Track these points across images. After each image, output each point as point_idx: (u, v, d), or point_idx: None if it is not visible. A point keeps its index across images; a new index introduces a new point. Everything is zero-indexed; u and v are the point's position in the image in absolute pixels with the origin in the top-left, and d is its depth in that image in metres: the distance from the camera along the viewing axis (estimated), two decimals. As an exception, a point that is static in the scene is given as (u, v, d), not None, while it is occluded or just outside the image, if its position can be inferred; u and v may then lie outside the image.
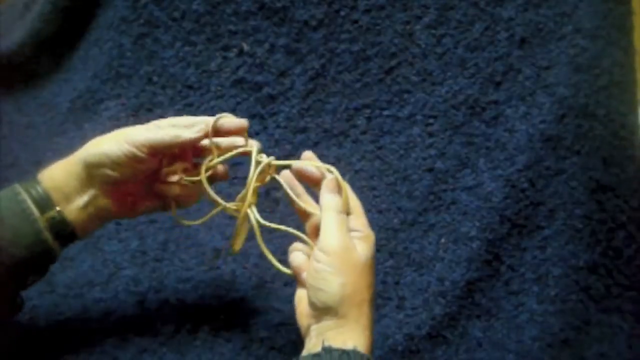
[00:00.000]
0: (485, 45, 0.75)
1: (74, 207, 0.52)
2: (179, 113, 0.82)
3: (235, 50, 0.81)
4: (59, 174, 0.52)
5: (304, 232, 0.55)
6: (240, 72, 0.81)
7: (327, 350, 0.44)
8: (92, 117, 0.85)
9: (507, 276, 0.68)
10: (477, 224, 0.69)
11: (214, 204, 0.55)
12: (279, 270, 0.53)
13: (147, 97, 0.84)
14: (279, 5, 0.79)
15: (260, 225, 0.54)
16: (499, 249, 0.68)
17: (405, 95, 0.77)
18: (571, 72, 0.71)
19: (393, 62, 0.77)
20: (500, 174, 0.71)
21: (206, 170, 0.55)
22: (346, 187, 0.52)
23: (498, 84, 0.74)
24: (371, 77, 0.78)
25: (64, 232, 0.52)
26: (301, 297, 0.51)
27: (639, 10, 0.78)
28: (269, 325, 0.62)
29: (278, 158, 0.75)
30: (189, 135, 0.53)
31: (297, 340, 0.61)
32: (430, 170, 0.74)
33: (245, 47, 0.81)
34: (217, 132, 0.55)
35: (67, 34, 0.92)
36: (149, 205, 0.56)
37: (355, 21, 0.78)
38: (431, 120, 0.75)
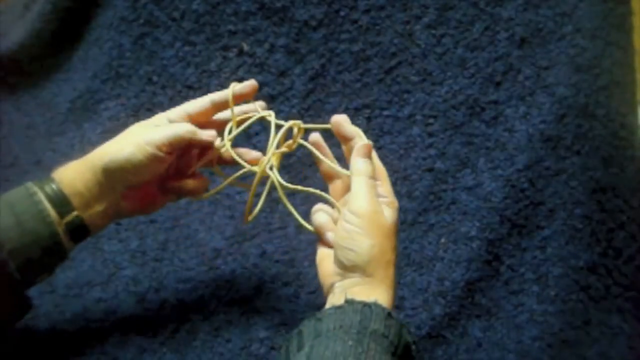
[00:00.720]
0: (485, 45, 0.75)
1: (93, 212, 0.52)
2: (178, 113, 0.82)
3: (235, 50, 0.81)
4: (79, 180, 0.52)
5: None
6: (240, 72, 0.81)
7: (350, 302, 0.45)
8: (91, 117, 0.85)
9: (507, 276, 0.68)
10: (477, 224, 0.69)
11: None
12: (303, 227, 0.54)
13: (146, 97, 0.84)
14: (278, 5, 0.79)
15: (283, 188, 0.55)
16: (498, 249, 0.68)
17: (405, 95, 0.77)
18: (571, 72, 0.71)
19: (393, 62, 0.77)
20: (500, 174, 0.71)
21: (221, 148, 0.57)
22: (374, 154, 0.54)
23: (498, 84, 0.74)
24: (371, 77, 0.78)
25: (80, 234, 0.52)
26: (323, 257, 0.52)
27: (638, 10, 0.78)
28: (268, 325, 0.62)
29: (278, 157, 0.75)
30: (206, 137, 0.54)
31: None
32: (430, 170, 0.74)
33: (245, 47, 0.81)
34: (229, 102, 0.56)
35: (66, 34, 0.92)
36: (164, 200, 0.57)
37: (355, 21, 0.78)
38: (431, 120, 0.75)
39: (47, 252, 0.50)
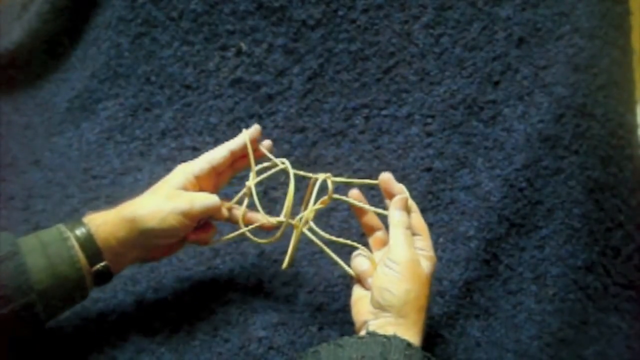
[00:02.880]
0: (483, 44, 0.75)
1: (121, 262, 0.57)
2: (177, 113, 0.82)
3: (233, 49, 0.81)
4: (113, 238, 0.55)
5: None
6: (239, 72, 0.81)
7: (372, 334, 0.48)
8: (90, 116, 0.85)
9: (506, 275, 0.68)
10: (476, 223, 0.69)
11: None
12: (346, 273, 0.57)
13: (145, 96, 0.83)
14: (277, 4, 0.79)
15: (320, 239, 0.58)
16: (497, 248, 0.68)
17: (404, 95, 0.77)
18: (569, 71, 0.71)
19: (391, 62, 0.77)
20: (499, 174, 0.71)
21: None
22: (417, 209, 0.58)
23: (496, 83, 0.74)
24: (369, 77, 0.78)
25: (104, 279, 0.56)
26: (359, 297, 0.55)
27: (636, 10, 0.78)
28: (267, 325, 0.62)
29: (277, 157, 0.75)
30: (220, 205, 0.59)
31: (295, 340, 0.61)
32: (429, 169, 0.74)
33: (244, 46, 0.81)
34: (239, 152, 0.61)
35: (65, 34, 0.92)
36: (179, 248, 0.61)
37: (353, 21, 0.78)
38: (429, 120, 0.75)
39: (71, 294, 0.53)
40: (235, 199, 0.62)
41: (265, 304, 0.65)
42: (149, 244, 0.57)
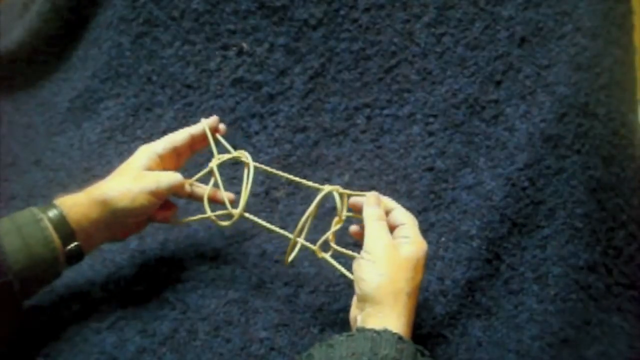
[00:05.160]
0: (485, 44, 0.75)
1: (92, 241, 0.59)
2: (178, 112, 0.82)
3: (234, 49, 0.81)
4: (85, 219, 0.57)
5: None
6: (240, 72, 0.80)
7: (361, 330, 0.48)
8: (91, 116, 0.85)
9: (507, 275, 0.68)
10: (477, 222, 0.69)
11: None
12: (346, 277, 0.58)
13: (146, 96, 0.83)
14: (278, 4, 0.78)
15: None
16: (499, 247, 0.68)
17: (405, 95, 0.77)
18: (571, 71, 0.71)
19: (393, 61, 0.77)
20: (501, 173, 0.71)
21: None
22: (398, 206, 0.59)
23: (498, 83, 0.74)
24: (371, 76, 0.78)
25: (77, 259, 0.58)
26: (354, 300, 0.57)
27: (639, 9, 0.77)
28: (268, 326, 0.62)
29: (277, 157, 0.75)
30: (183, 183, 0.63)
31: (296, 341, 0.61)
32: (430, 169, 0.74)
33: (245, 46, 0.80)
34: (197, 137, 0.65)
35: (66, 34, 0.92)
36: (144, 226, 0.64)
37: (355, 20, 0.78)
38: (431, 119, 0.75)
39: (47, 273, 0.56)
40: (197, 176, 0.65)
41: (266, 304, 0.65)
42: (119, 223, 0.59)
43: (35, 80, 0.94)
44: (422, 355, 0.47)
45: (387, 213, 0.58)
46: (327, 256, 0.59)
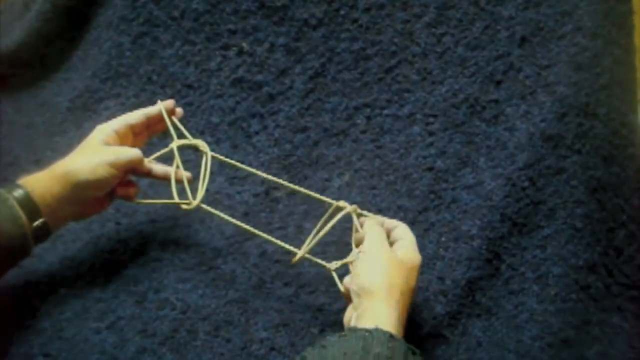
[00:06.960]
0: (486, 44, 0.75)
1: (58, 217, 0.60)
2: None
3: (234, 49, 0.81)
4: (49, 194, 0.59)
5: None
6: (240, 71, 0.81)
7: (352, 330, 0.49)
8: (91, 116, 0.85)
9: (507, 275, 0.68)
10: (478, 222, 0.69)
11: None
12: (338, 287, 0.60)
13: (146, 96, 0.83)
14: (278, 4, 0.78)
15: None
16: (499, 247, 0.68)
17: (405, 94, 0.77)
18: (572, 71, 0.71)
19: (393, 61, 0.77)
20: (501, 173, 0.71)
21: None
22: (401, 226, 0.60)
23: (498, 82, 0.74)
24: (371, 76, 0.78)
25: (44, 236, 0.60)
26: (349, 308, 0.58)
27: (639, 9, 0.77)
28: (268, 326, 0.62)
29: (278, 157, 0.75)
30: (142, 158, 0.65)
31: (296, 341, 0.61)
32: (431, 169, 0.74)
33: (245, 46, 0.80)
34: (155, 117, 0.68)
35: (66, 34, 0.92)
36: (108, 203, 0.66)
37: (355, 20, 0.78)
38: (431, 119, 0.75)
39: (16, 251, 0.57)
40: (157, 154, 0.68)
41: (266, 304, 0.65)
42: (81, 196, 0.61)
43: (36, 80, 0.94)
44: (413, 354, 0.48)
45: (390, 231, 0.60)
46: (334, 274, 0.61)
